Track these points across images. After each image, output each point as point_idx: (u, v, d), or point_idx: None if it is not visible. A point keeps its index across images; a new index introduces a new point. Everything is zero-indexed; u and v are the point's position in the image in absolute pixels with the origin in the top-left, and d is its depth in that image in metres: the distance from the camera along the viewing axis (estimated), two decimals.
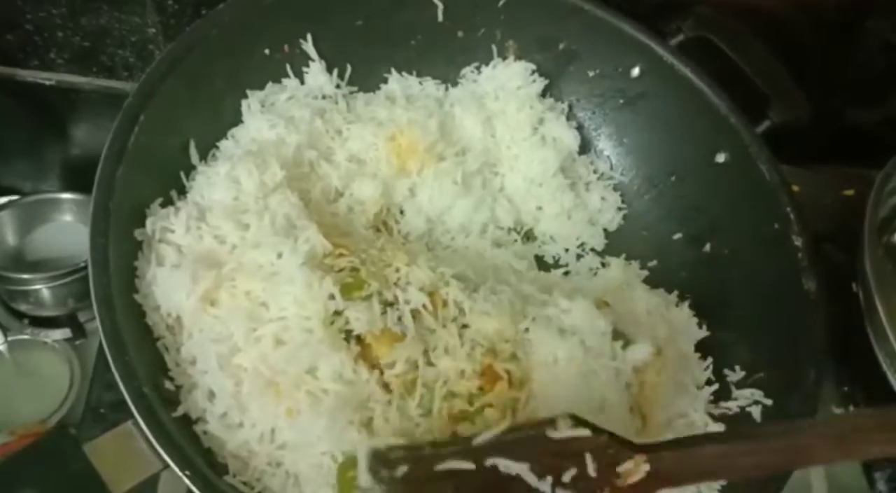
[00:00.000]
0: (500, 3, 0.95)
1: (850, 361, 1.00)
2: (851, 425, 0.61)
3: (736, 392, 0.81)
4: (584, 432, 0.58)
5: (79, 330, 1.13)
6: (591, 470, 0.57)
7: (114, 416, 0.91)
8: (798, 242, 0.83)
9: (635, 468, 0.58)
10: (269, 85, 0.90)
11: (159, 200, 0.77)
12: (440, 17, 0.95)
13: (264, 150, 0.82)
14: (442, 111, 0.96)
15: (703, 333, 0.86)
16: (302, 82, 0.92)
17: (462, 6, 0.95)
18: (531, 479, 0.57)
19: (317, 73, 0.92)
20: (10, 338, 1.09)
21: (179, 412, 0.68)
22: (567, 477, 0.57)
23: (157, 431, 0.63)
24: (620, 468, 0.58)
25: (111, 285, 0.67)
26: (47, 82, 1.11)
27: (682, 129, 0.94)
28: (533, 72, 0.98)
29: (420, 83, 0.99)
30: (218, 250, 0.74)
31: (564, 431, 0.58)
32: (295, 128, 0.86)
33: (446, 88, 1.00)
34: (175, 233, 0.74)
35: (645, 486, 0.58)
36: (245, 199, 0.78)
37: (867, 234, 0.93)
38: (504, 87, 0.98)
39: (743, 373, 0.82)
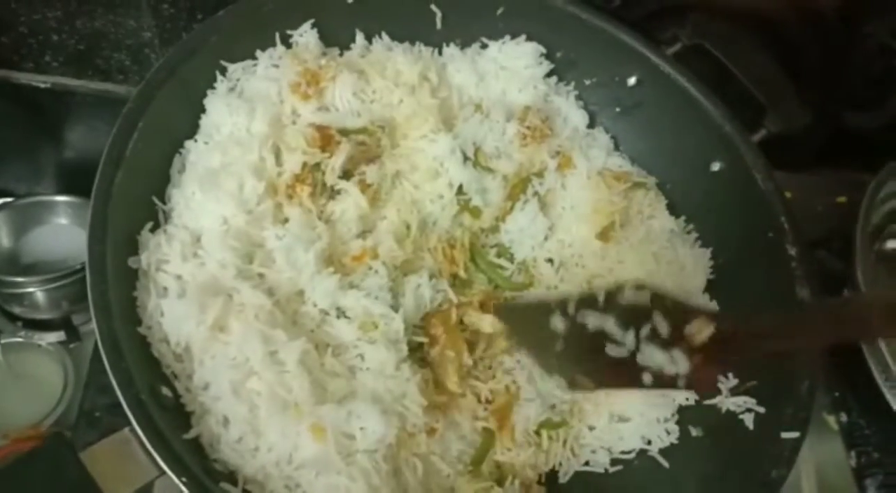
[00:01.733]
0: (499, 12, 0.96)
1: (840, 367, 1.01)
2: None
3: (729, 400, 0.82)
4: (645, 295, 0.67)
5: (73, 333, 1.13)
6: (662, 328, 0.66)
7: (108, 419, 0.91)
8: (792, 250, 0.83)
9: (701, 328, 0.66)
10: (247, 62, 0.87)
11: (149, 225, 0.75)
12: (438, 26, 0.95)
13: (232, 161, 0.79)
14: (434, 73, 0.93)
15: None
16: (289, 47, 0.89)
17: (460, 15, 0.95)
18: (616, 331, 0.66)
19: (306, 34, 0.89)
20: (3, 341, 1.09)
21: (192, 434, 0.68)
22: (644, 332, 0.66)
23: (154, 438, 0.63)
24: (688, 328, 0.66)
25: (109, 292, 0.67)
26: (42, 85, 1.11)
27: (677, 138, 0.95)
28: (542, 54, 0.97)
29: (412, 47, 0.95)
30: (221, 276, 0.73)
31: (629, 295, 0.67)
32: (260, 106, 0.82)
33: (440, 52, 0.97)
34: (171, 263, 0.73)
35: (715, 347, 0.66)
36: (234, 222, 0.76)
37: (859, 240, 0.94)
38: (507, 66, 0.96)
39: (736, 381, 0.82)
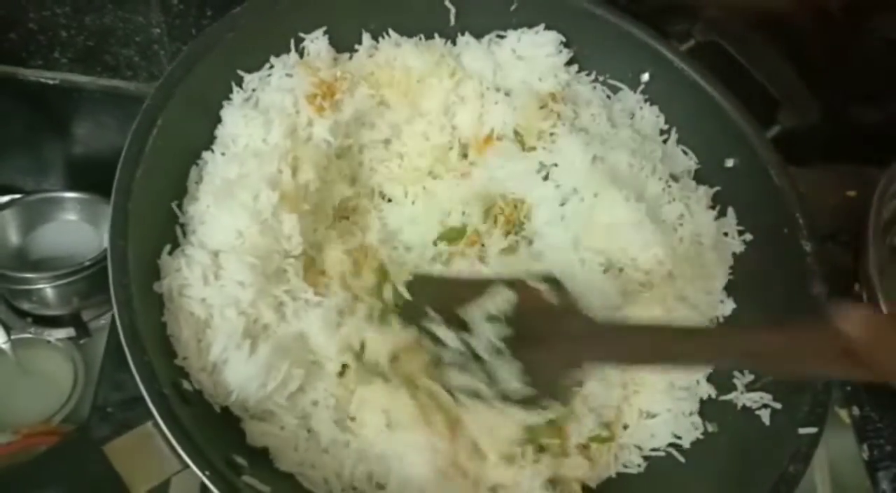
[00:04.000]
0: (513, 7, 0.95)
1: None
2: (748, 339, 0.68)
3: (745, 395, 0.82)
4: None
5: (82, 329, 1.13)
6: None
7: (122, 415, 0.90)
8: (807, 246, 0.84)
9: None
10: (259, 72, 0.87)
11: (167, 247, 0.74)
12: (452, 21, 0.95)
13: (249, 173, 0.78)
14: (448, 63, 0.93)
15: None
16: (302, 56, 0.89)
17: (474, 10, 0.95)
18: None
19: (318, 41, 0.89)
20: (13, 337, 1.09)
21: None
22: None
23: (177, 432, 0.63)
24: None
25: (130, 286, 0.67)
26: (51, 82, 1.10)
27: (691, 133, 0.95)
28: (562, 43, 0.96)
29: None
30: (243, 297, 0.74)
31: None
32: (276, 117, 0.82)
33: (453, 43, 0.97)
34: (194, 287, 0.73)
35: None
36: (249, 235, 0.76)
37: (871, 235, 0.94)
38: (526, 55, 0.95)
39: (752, 376, 0.83)
